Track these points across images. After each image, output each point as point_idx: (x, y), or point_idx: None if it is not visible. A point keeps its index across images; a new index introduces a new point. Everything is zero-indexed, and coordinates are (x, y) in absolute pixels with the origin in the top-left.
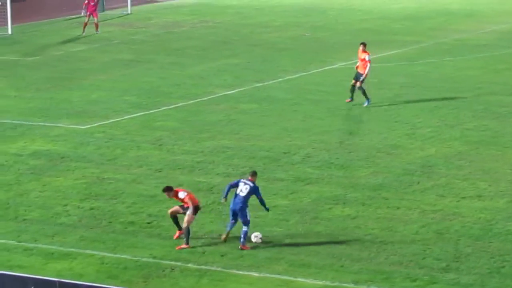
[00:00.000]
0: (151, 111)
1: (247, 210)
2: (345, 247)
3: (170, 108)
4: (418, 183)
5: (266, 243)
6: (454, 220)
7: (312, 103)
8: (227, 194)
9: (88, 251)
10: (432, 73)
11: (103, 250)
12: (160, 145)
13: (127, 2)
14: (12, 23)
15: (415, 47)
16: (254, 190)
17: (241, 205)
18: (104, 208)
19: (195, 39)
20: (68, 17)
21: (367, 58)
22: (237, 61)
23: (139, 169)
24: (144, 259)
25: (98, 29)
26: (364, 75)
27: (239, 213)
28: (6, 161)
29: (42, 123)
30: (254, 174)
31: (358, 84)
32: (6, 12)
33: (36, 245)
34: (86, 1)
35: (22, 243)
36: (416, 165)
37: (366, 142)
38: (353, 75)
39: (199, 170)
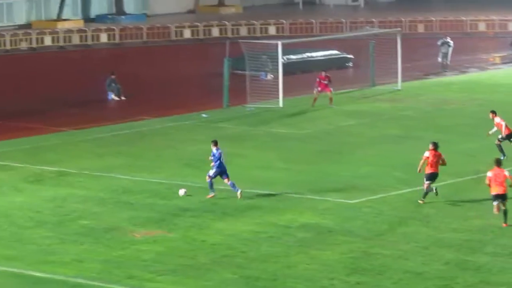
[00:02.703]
0: (418, 188)
1: None
2: None
3: (436, 186)
4: None
5: None
6: None
7: None
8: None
9: None
10: None
11: None
12: (427, 222)
13: (397, 78)
14: (283, 96)
15: None
16: None
17: None
18: (370, 283)
19: (465, 117)
20: (337, 91)
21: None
22: None
23: (406, 245)
24: None
25: (332, 103)
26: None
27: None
28: (275, 233)
29: (311, 196)
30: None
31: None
32: (278, 85)
33: None
34: (318, 80)
35: None
36: None
37: None
38: None
39: (466, 248)
